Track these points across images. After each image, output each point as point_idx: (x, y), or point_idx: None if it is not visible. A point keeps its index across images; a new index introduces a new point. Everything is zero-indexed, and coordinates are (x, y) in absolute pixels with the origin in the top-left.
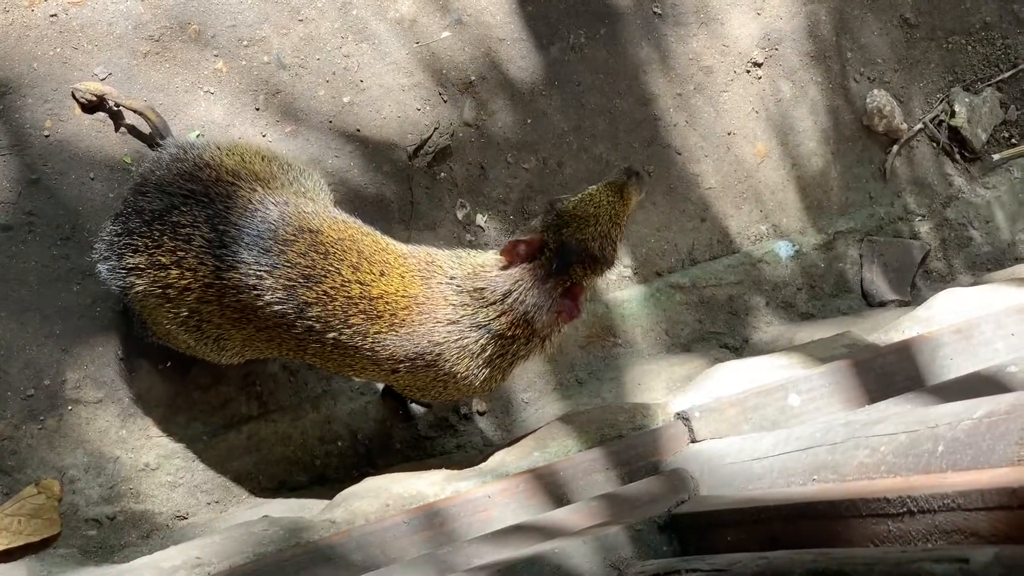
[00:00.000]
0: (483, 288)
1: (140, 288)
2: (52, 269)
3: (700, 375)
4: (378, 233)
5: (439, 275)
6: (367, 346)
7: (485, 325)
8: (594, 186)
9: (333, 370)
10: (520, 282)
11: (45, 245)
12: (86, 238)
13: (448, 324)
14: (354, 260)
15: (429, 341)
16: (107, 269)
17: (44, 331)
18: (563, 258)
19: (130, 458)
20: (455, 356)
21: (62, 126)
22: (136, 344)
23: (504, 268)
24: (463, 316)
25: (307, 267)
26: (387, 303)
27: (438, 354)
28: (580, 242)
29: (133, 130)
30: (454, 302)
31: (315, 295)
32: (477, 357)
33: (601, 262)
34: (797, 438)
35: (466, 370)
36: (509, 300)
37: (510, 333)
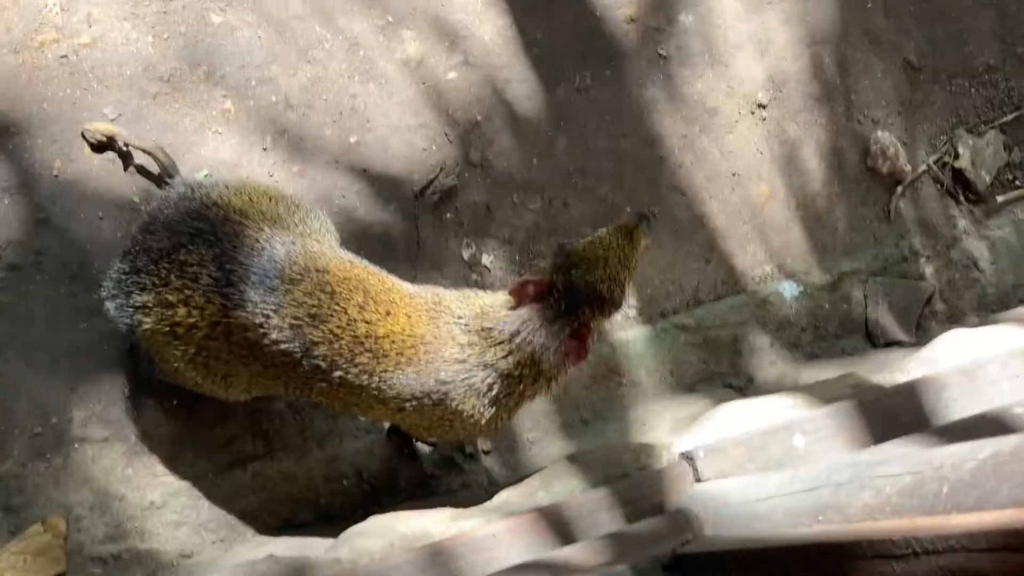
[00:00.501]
0: (491, 328)
1: (147, 326)
2: (60, 308)
3: (705, 415)
4: (384, 273)
5: (446, 315)
6: (373, 385)
7: (492, 364)
8: (604, 229)
9: (339, 408)
10: (528, 322)
11: (53, 284)
12: (94, 277)
13: (455, 363)
14: (360, 300)
15: (436, 380)
16: (115, 307)
17: (51, 369)
18: (571, 299)
19: (136, 496)
20: (462, 395)
21: (71, 166)
22: (143, 382)
23: (512, 308)
24: (470, 355)
25: (313, 306)
26: (393, 342)
27: (445, 392)
28: (589, 284)
29: (142, 169)
30: (461, 341)
31: (321, 334)
32: (484, 396)
33: (609, 304)
34: (802, 479)
35: (472, 409)
36: (517, 340)
37: (517, 373)
